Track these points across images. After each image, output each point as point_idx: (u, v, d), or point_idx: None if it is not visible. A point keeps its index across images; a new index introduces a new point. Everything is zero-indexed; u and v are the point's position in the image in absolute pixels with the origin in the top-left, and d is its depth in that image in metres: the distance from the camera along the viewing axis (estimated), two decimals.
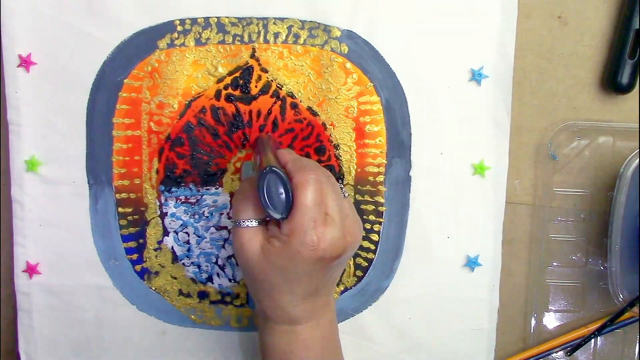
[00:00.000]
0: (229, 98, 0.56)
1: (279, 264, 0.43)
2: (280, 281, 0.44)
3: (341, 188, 0.47)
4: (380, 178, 0.56)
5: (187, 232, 0.57)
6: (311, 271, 0.44)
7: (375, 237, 0.57)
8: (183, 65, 0.55)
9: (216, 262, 0.58)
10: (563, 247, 0.58)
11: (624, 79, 0.55)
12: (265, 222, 0.45)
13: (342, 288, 0.58)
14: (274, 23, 0.55)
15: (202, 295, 0.58)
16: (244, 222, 0.45)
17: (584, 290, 0.59)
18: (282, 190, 0.43)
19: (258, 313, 0.48)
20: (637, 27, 0.54)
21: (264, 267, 0.44)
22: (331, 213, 0.44)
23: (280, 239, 0.43)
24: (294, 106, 0.56)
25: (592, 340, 0.58)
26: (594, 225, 0.58)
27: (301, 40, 0.55)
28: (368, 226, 0.57)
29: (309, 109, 0.56)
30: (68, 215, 0.57)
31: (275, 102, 0.56)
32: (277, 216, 0.43)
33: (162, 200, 0.57)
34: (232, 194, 0.57)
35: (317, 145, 0.56)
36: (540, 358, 0.59)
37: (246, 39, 0.55)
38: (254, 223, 0.45)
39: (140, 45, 0.55)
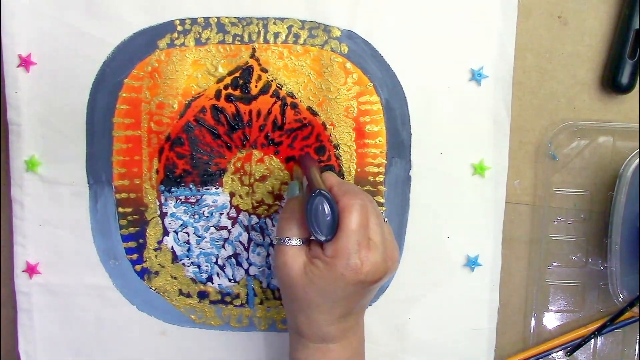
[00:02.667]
0: (229, 98, 0.56)
1: (321, 285, 0.44)
2: (320, 301, 0.45)
3: (382, 213, 0.48)
4: (380, 178, 0.56)
5: (187, 232, 0.58)
6: (351, 293, 0.45)
7: None
8: (183, 65, 0.55)
9: (216, 262, 0.58)
10: (563, 247, 0.58)
11: (624, 79, 0.55)
12: (308, 241, 0.46)
13: None
14: (274, 23, 0.55)
15: (202, 295, 0.58)
16: (288, 240, 0.46)
17: (584, 290, 0.59)
18: (328, 213, 0.44)
19: (291, 330, 0.49)
20: (637, 27, 0.54)
21: (305, 286, 0.45)
22: (374, 237, 0.45)
23: (324, 260, 0.44)
24: (294, 106, 0.56)
25: (592, 340, 0.58)
26: (594, 225, 0.58)
27: (301, 40, 0.55)
28: None
29: (309, 109, 0.56)
30: (68, 215, 0.57)
31: (275, 102, 0.56)
32: (322, 238, 0.44)
33: (162, 200, 0.57)
34: (232, 194, 0.57)
35: (317, 145, 0.56)
36: (540, 358, 0.59)
37: (246, 39, 0.55)
38: (298, 242, 0.46)
39: (140, 45, 0.55)
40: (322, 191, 0.44)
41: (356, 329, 0.49)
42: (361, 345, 0.50)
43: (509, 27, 0.55)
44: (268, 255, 0.58)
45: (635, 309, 0.55)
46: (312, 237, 0.45)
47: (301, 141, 0.56)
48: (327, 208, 0.44)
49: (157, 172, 0.57)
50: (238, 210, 0.57)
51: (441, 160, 0.56)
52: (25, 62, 0.55)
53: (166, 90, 0.56)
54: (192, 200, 0.57)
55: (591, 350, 0.59)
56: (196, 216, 0.57)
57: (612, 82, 0.55)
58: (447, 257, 0.57)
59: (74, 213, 0.57)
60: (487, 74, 0.55)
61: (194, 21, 0.55)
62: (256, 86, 0.56)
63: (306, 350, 0.47)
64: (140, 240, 0.57)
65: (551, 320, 0.59)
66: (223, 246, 0.58)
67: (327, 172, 0.51)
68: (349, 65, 0.55)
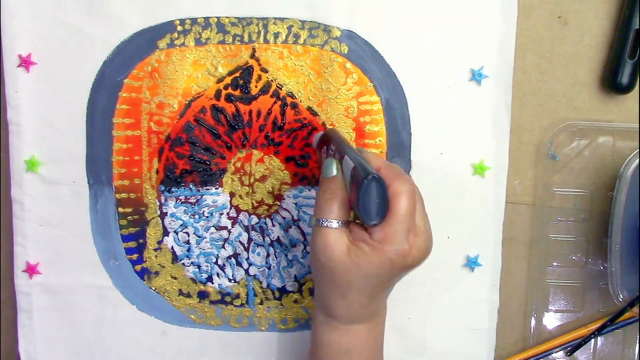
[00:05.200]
0: (229, 98, 0.56)
1: (367, 268, 0.44)
2: (362, 284, 0.44)
3: None
4: None
5: (187, 232, 0.57)
6: (394, 277, 0.45)
7: None
8: (183, 65, 0.55)
9: (216, 262, 0.58)
10: (563, 247, 0.58)
11: (624, 79, 0.55)
12: (347, 223, 0.45)
13: None
14: (274, 23, 0.55)
15: (202, 295, 0.58)
16: (329, 221, 0.45)
17: (584, 290, 0.59)
18: (380, 198, 0.43)
19: (320, 312, 0.48)
20: (637, 27, 0.54)
21: (350, 268, 0.44)
22: (419, 223, 0.45)
23: (371, 244, 0.43)
24: (294, 106, 0.56)
25: (592, 340, 0.58)
26: (594, 225, 0.58)
27: (301, 40, 0.55)
28: None
29: (309, 109, 0.56)
30: (68, 215, 0.57)
31: (275, 102, 0.56)
32: (372, 223, 0.43)
33: (162, 200, 0.57)
34: (232, 194, 0.57)
35: None
36: (540, 358, 0.59)
37: (246, 39, 0.55)
38: (339, 224, 0.45)
39: (140, 45, 0.55)
40: (376, 176, 0.42)
41: (382, 310, 0.49)
42: (382, 328, 0.50)
43: (509, 27, 0.55)
44: (268, 255, 0.58)
45: (635, 309, 0.55)
46: (355, 220, 0.44)
47: (301, 141, 0.56)
48: (378, 193, 0.42)
49: (157, 172, 0.57)
50: (238, 210, 0.57)
51: (441, 160, 0.56)
52: (25, 62, 0.55)
53: (166, 90, 0.56)
54: (192, 200, 0.57)
55: (591, 350, 0.59)
56: (196, 216, 0.57)
57: (612, 82, 0.55)
58: (447, 257, 0.57)
59: (74, 213, 0.57)
60: (487, 74, 0.55)
61: (194, 21, 0.55)
62: (256, 86, 0.56)
63: (336, 332, 0.47)
64: (140, 240, 0.57)
65: (551, 320, 0.59)
66: (223, 246, 0.58)
67: (369, 152, 0.50)
68: (349, 65, 0.55)
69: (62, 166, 0.56)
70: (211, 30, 0.55)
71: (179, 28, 0.55)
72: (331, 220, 0.45)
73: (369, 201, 0.42)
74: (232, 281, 0.58)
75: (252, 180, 0.57)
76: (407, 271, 0.45)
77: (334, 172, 0.47)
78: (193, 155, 0.56)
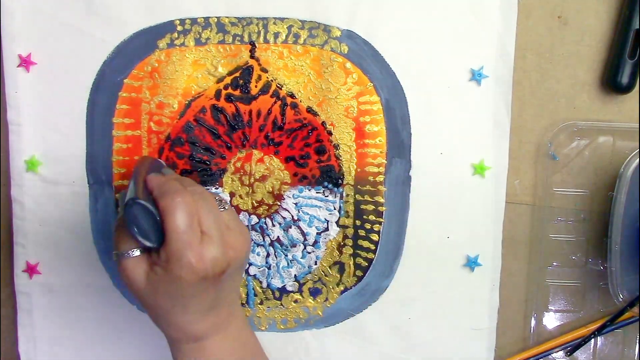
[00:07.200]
0: (229, 98, 0.56)
1: (165, 290, 0.43)
2: (170, 304, 0.44)
3: (220, 201, 0.46)
4: (380, 178, 0.56)
5: None
6: (199, 291, 0.43)
7: (375, 237, 0.57)
8: (183, 65, 0.55)
9: None
10: (563, 247, 0.58)
11: (624, 79, 0.55)
12: (147, 249, 0.44)
13: (342, 288, 0.58)
14: (274, 23, 0.55)
15: None
16: (126, 253, 0.44)
17: (584, 290, 0.59)
18: (149, 219, 0.42)
19: (167, 340, 0.47)
20: (637, 27, 0.54)
21: (152, 294, 0.44)
22: (207, 230, 0.43)
23: (161, 265, 0.43)
24: (294, 106, 0.56)
25: (592, 340, 0.58)
26: (594, 225, 0.58)
27: (301, 40, 0.55)
28: (368, 226, 0.57)
29: (309, 109, 0.56)
30: (68, 215, 0.57)
31: (275, 102, 0.56)
32: (151, 245, 0.42)
33: None
34: (232, 194, 0.57)
35: (317, 145, 0.56)
36: (540, 358, 0.59)
37: (246, 39, 0.55)
38: (137, 252, 0.44)
39: (140, 45, 0.55)
40: (134, 199, 0.42)
41: (231, 320, 0.47)
42: (244, 334, 0.49)
43: (509, 27, 0.55)
44: (268, 255, 0.58)
45: (635, 309, 0.55)
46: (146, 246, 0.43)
47: (301, 141, 0.56)
48: (146, 214, 0.42)
49: None
50: (238, 210, 0.57)
51: (441, 160, 0.56)
52: (25, 62, 0.55)
53: (166, 90, 0.56)
54: None
55: (591, 350, 0.59)
56: None
57: (612, 82, 0.55)
58: (447, 257, 0.57)
59: (74, 213, 0.57)
60: (487, 74, 0.55)
61: (194, 21, 0.55)
62: (256, 86, 0.56)
63: (183, 354, 0.46)
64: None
65: (551, 320, 0.59)
66: None
67: (152, 174, 0.46)
68: (349, 65, 0.55)
69: (62, 166, 0.56)
70: (211, 30, 0.55)
71: (179, 28, 0.55)
72: (126, 252, 0.44)
73: (139, 225, 0.42)
74: None
75: (252, 180, 0.57)
76: (215, 280, 0.43)
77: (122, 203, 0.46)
78: (193, 155, 0.56)
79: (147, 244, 0.42)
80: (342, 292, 0.58)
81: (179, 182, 0.45)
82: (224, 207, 0.46)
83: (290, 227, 0.57)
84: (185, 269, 0.42)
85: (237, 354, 0.48)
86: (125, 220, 0.42)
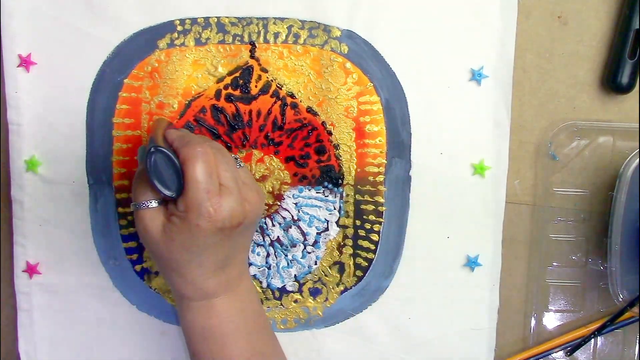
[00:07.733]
0: (229, 98, 0.56)
1: (181, 240, 0.44)
2: (186, 257, 0.45)
3: (236, 158, 0.48)
4: (380, 178, 0.56)
5: None
6: (214, 242, 0.44)
7: (375, 237, 0.57)
8: (183, 65, 0.55)
9: None
10: (563, 247, 0.58)
11: (624, 79, 0.55)
12: (165, 201, 0.45)
13: (342, 288, 0.58)
14: (274, 23, 0.55)
15: None
16: (143, 204, 0.45)
17: (584, 290, 0.59)
18: (170, 168, 0.43)
19: (174, 296, 0.48)
20: (637, 27, 0.54)
21: (168, 245, 0.44)
22: (225, 183, 0.44)
23: (179, 215, 0.44)
24: (294, 106, 0.56)
25: (592, 340, 0.58)
26: (594, 225, 0.58)
27: (301, 40, 0.55)
28: (368, 226, 0.57)
29: (309, 109, 0.56)
30: (68, 215, 0.57)
31: (275, 102, 0.56)
32: (171, 194, 0.43)
33: None
34: None
35: (317, 145, 0.56)
36: (540, 358, 0.59)
37: (246, 39, 0.55)
38: (154, 204, 0.45)
39: (140, 45, 0.55)
40: (157, 147, 0.43)
41: (240, 280, 0.48)
42: (251, 295, 0.50)
43: (509, 27, 0.55)
44: (268, 255, 0.58)
45: (635, 309, 0.55)
46: (165, 197, 0.44)
47: (301, 141, 0.56)
48: (167, 163, 0.43)
49: None
50: None
51: (441, 160, 0.56)
52: (25, 62, 0.55)
53: (166, 90, 0.56)
54: None
55: (591, 350, 0.59)
56: None
57: (612, 82, 0.55)
58: (447, 257, 0.57)
59: (74, 213, 0.57)
60: (487, 74, 0.55)
61: (194, 21, 0.55)
62: (256, 86, 0.56)
63: (191, 311, 0.47)
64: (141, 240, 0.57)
65: (551, 320, 0.59)
66: None
67: (172, 129, 0.48)
68: (349, 65, 0.55)
69: (62, 166, 0.56)
70: (211, 30, 0.55)
71: (179, 28, 0.55)
72: (144, 202, 0.45)
73: (159, 173, 0.43)
74: None
75: None
76: (230, 233, 0.44)
77: (140, 157, 0.47)
78: None
79: (167, 192, 0.43)
80: (342, 292, 0.58)
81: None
82: (240, 165, 0.48)
83: (290, 227, 0.57)
84: (203, 218, 0.43)
85: (244, 314, 0.48)
86: (145, 170, 0.43)
